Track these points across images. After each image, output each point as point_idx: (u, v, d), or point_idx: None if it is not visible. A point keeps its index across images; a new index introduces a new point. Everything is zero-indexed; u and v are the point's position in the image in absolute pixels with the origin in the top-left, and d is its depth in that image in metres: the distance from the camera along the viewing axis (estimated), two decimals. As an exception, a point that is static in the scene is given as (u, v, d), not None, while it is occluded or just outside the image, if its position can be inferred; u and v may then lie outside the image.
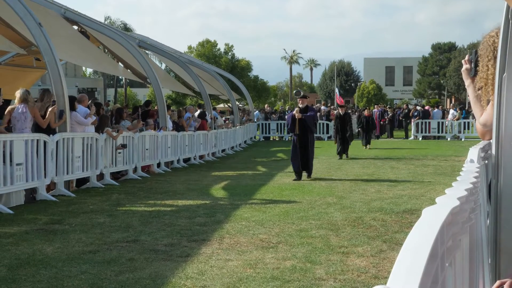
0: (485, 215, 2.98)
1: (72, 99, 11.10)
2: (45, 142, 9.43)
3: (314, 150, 13.15)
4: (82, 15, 15.76)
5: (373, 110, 31.34)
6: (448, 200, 1.49)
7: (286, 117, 13.61)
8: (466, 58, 3.29)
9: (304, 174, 12.77)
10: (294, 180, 12.35)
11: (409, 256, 1.10)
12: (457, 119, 30.10)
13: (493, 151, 3.04)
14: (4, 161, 8.44)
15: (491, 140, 3.16)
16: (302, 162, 12.61)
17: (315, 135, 13.61)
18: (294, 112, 12.83)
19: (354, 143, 21.29)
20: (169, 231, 6.83)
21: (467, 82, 3.24)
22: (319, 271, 5.06)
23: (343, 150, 18.32)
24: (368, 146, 22.82)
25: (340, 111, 19.49)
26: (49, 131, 9.91)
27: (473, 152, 2.86)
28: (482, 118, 3.14)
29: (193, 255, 5.64)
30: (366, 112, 24.20)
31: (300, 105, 12.86)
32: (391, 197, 9.57)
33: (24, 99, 9.47)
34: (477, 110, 3.16)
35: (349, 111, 37.52)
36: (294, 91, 13.22)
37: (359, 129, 24.17)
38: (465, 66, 3.27)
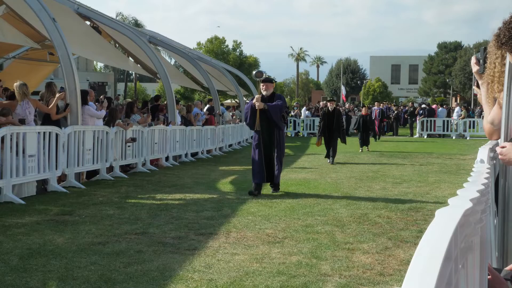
0: (493, 214, 2.95)
1: (84, 93, 11.12)
2: (57, 135, 9.45)
3: (283, 153, 9.89)
4: (95, 11, 15.75)
5: (373, 108, 28.30)
6: (460, 202, 1.47)
7: (245, 107, 10.34)
8: (474, 61, 3.24)
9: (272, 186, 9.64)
10: (251, 193, 9.19)
11: (424, 258, 1.08)
12: (463, 118, 29.95)
13: (500, 152, 3.00)
14: (17, 153, 8.46)
15: (498, 140, 3.13)
16: (267, 171, 9.48)
17: (285, 132, 11.73)
18: (254, 100, 9.48)
19: (349, 144, 19.04)
20: (177, 224, 6.82)
21: (480, 82, 3.20)
22: (325, 266, 5.04)
23: (332, 153, 15.42)
24: (364, 149, 19.78)
25: (329, 106, 16.08)
26: (61, 123, 9.91)
27: (483, 152, 2.83)
28: (489, 116, 3.11)
29: (200, 249, 5.63)
30: (363, 111, 21.05)
31: (264, 92, 9.60)
32: (396, 194, 9.53)
33: (21, 94, 9.43)
34: (487, 110, 3.12)
35: (348, 107, 36.46)
36: (253, 72, 10.13)
37: (355, 129, 20.88)
38: (476, 67, 3.22)
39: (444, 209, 1.35)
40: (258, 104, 9.32)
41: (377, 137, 25.26)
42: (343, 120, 16.83)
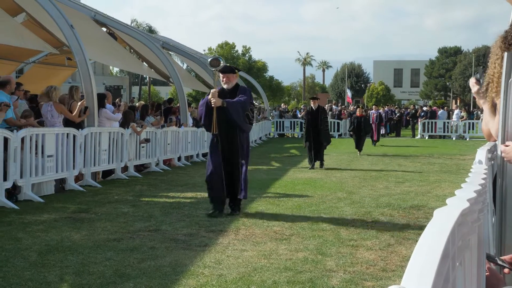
0: (491, 213, 2.93)
1: (102, 97, 11.17)
2: (74, 136, 9.49)
3: (248, 160, 7.55)
4: (110, 18, 15.83)
5: (370, 112, 25.56)
6: (458, 202, 1.46)
7: (199, 103, 8.01)
8: (473, 81, 3.20)
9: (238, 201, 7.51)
10: (211, 215, 7.11)
11: (422, 257, 1.07)
12: (464, 120, 29.89)
13: (499, 152, 2.98)
14: (36, 153, 8.51)
15: (496, 142, 3.11)
16: (227, 185, 7.30)
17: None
18: (210, 96, 7.21)
19: (349, 146, 17.71)
20: (189, 221, 6.83)
21: (481, 101, 3.16)
22: (330, 263, 5.02)
23: (315, 156, 13.58)
24: (359, 153, 17.96)
25: (312, 105, 13.96)
26: (79, 125, 9.96)
27: (481, 153, 2.81)
28: (483, 123, 3.10)
29: (210, 245, 5.63)
30: (358, 112, 18.93)
31: (225, 85, 7.43)
32: (399, 193, 9.48)
33: (47, 95, 9.51)
34: (491, 124, 3.05)
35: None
36: (208, 60, 7.62)
37: (351, 132, 18.92)
38: (476, 87, 3.18)
39: (442, 209, 1.34)
40: (214, 101, 7.10)
41: (375, 142, 22.53)
42: (327, 120, 14.80)
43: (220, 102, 7.12)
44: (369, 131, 19.33)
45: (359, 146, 18.05)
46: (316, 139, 13.57)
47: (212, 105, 7.15)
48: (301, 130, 31.83)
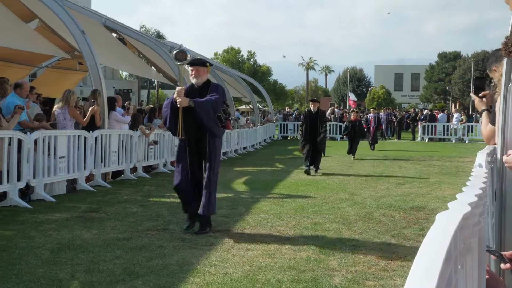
0: (490, 215, 2.92)
1: (113, 100, 11.20)
2: (85, 138, 9.52)
3: (217, 171, 6.32)
4: (120, 24, 15.86)
5: (368, 116, 23.83)
6: (460, 206, 1.45)
7: (164, 103, 6.77)
8: (473, 94, 3.33)
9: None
10: (186, 229, 6.17)
11: (425, 260, 1.07)
12: (464, 123, 29.84)
13: (498, 156, 2.97)
14: (48, 154, 8.54)
15: (495, 145, 3.10)
16: (198, 195, 6.21)
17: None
18: (175, 95, 6.11)
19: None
20: (195, 221, 6.81)
21: (480, 110, 3.30)
22: (332, 262, 5.01)
23: (312, 162, 12.56)
24: (353, 157, 16.95)
25: (312, 107, 12.92)
26: (90, 128, 9.98)
27: (481, 157, 2.79)
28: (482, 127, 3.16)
29: (216, 244, 5.63)
30: (352, 116, 17.83)
31: (194, 80, 6.25)
32: (399, 194, 9.45)
33: (65, 100, 9.57)
34: (485, 118, 3.11)
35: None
36: (173, 53, 6.28)
37: (344, 134, 17.97)
38: (477, 99, 3.27)
39: (444, 213, 1.33)
40: (180, 100, 5.99)
41: (373, 146, 21.08)
42: (327, 125, 13.77)
43: (186, 102, 6.00)
44: (365, 135, 18.31)
45: (352, 150, 16.99)
46: (314, 144, 12.58)
47: (178, 105, 6.05)
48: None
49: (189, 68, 6.27)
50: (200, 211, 6.16)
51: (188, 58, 6.19)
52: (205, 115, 6.01)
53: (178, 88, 6.11)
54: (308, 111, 13.12)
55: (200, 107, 6.00)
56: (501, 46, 2.69)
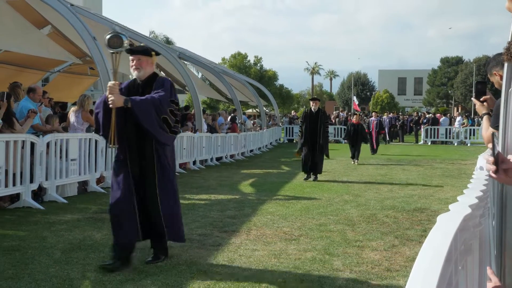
0: (491, 216, 2.90)
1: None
2: (96, 141, 9.56)
3: (173, 186, 4.90)
4: (130, 30, 15.92)
5: (370, 119, 22.31)
6: (460, 208, 1.45)
7: (95, 104, 5.19)
8: (474, 98, 3.37)
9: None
10: (106, 266, 4.59)
11: (426, 261, 1.07)
12: (465, 126, 29.72)
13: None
14: (60, 157, 8.58)
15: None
16: (143, 220, 4.81)
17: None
18: (107, 92, 4.66)
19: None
20: (203, 222, 6.83)
21: (481, 114, 3.31)
22: (337, 262, 5.00)
23: (312, 167, 11.51)
24: (355, 161, 16.11)
25: (312, 107, 11.69)
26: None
27: (482, 160, 2.78)
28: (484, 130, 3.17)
29: (223, 245, 5.63)
30: (354, 119, 17.01)
31: (135, 73, 4.89)
32: (403, 196, 9.42)
33: (80, 104, 9.67)
34: (486, 122, 3.12)
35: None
36: (107, 37, 4.71)
37: (345, 138, 17.33)
38: (478, 103, 3.28)
39: (445, 215, 1.33)
40: (113, 99, 4.61)
41: (374, 150, 19.91)
42: (328, 126, 12.45)
43: (121, 101, 4.59)
44: (367, 139, 17.29)
45: (355, 155, 16.19)
46: (313, 147, 11.47)
47: (110, 105, 4.64)
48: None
49: (130, 58, 4.89)
50: (167, 236, 4.88)
51: (125, 44, 4.82)
52: (145, 117, 4.59)
53: (110, 83, 4.68)
54: (308, 110, 11.82)
55: (138, 107, 4.58)
56: (503, 51, 2.68)
